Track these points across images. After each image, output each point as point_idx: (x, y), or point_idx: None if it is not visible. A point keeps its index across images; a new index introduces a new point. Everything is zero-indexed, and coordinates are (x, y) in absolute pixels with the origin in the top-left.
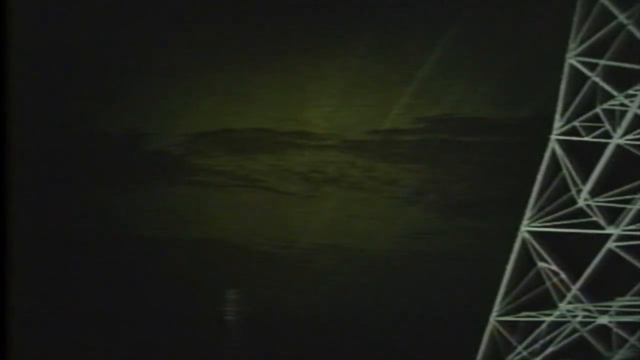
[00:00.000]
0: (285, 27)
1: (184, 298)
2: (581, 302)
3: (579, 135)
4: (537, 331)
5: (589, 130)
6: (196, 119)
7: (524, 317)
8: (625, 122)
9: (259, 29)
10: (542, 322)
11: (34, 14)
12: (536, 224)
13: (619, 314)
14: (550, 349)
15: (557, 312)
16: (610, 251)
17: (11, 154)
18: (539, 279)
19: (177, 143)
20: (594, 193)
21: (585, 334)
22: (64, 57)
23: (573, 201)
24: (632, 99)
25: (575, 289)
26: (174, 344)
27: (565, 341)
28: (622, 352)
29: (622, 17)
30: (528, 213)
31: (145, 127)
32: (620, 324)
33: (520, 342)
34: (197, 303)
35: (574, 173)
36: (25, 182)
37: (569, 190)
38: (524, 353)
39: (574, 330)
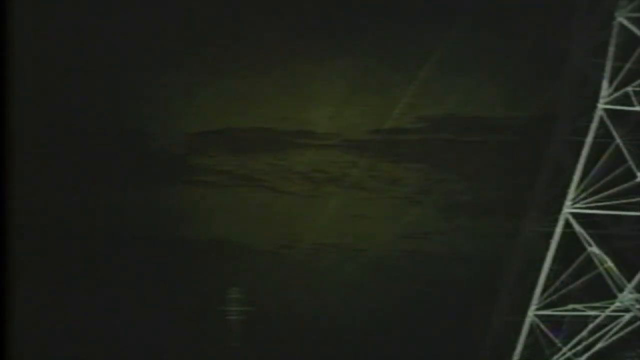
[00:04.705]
0: (288, 27)
1: (185, 297)
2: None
3: (630, 103)
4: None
5: None
6: (198, 119)
7: (569, 310)
8: None
9: (261, 28)
10: (588, 316)
11: (36, 13)
12: (581, 204)
13: None
14: (600, 345)
15: (616, 304)
16: None
17: (12, 154)
18: (585, 267)
19: (179, 142)
20: None
21: None
22: (65, 57)
23: (631, 176)
24: None
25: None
26: (174, 343)
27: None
28: None
29: None
30: (571, 194)
31: (147, 126)
32: None
33: (563, 339)
34: (198, 302)
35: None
36: (26, 181)
37: (621, 165)
38: (568, 354)
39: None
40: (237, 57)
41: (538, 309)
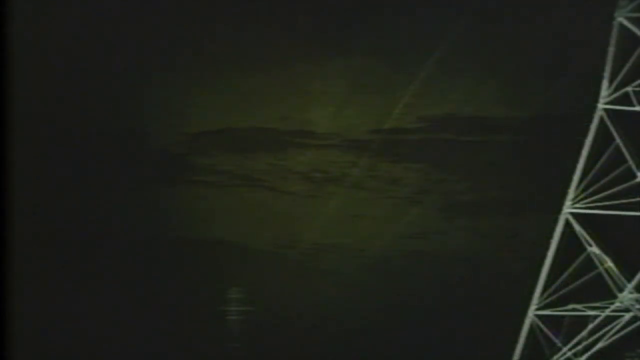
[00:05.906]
0: (288, 26)
1: (185, 297)
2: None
3: (630, 103)
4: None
5: None
6: (198, 118)
7: (569, 310)
8: None
9: (261, 28)
10: (588, 316)
11: (36, 14)
12: (581, 204)
13: None
14: (600, 344)
15: (616, 303)
16: None
17: (12, 154)
18: (586, 266)
19: (179, 142)
20: None
21: None
22: (65, 57)
23: (630, 176)
24: None
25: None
26: (175, 343)
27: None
28: None
29: None
30: (572, 193)
31: (147, 126)
32: None
33: (563, 338)
34: (198, 302)
35: (628, 145)
36: (26, 181)
37: (621, 165)
38: (568, 354)
39: (632, 321)
40: (238, 57)
41: (538, 309)
